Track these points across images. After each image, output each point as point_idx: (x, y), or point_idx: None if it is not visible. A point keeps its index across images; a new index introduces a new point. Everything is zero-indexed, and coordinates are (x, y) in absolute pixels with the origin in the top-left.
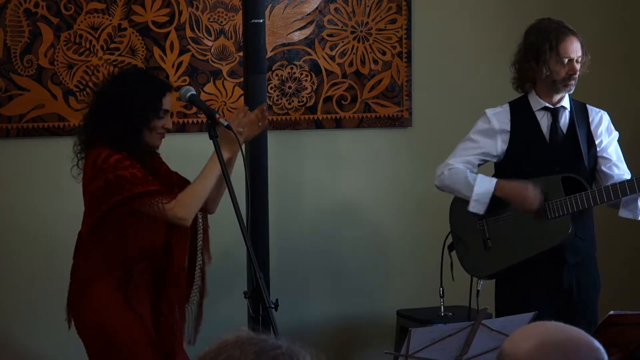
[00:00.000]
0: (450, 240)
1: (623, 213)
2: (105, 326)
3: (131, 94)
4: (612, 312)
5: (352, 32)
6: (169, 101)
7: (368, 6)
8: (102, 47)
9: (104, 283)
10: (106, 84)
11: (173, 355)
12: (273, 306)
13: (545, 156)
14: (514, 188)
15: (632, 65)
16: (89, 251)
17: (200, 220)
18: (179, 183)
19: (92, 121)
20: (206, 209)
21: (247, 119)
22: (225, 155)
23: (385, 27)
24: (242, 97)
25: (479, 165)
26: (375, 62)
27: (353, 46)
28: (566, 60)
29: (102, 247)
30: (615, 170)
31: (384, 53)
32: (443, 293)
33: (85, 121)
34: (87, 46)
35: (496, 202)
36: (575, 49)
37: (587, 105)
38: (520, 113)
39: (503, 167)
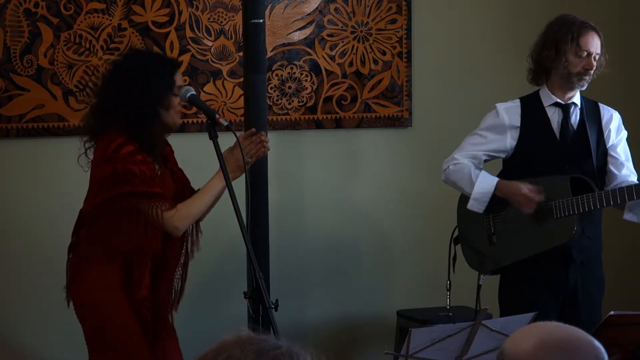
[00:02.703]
0: (457, 233)
1: (627, 216)
2: (97, 306)
3: (142, 73)
4: (612, 312)
5: (352, 32)
6: (180, 77)
7: (368, 6)
8: (102, 47)
9: (101, 264)
10: (113, 69)
11: (162, 343)
12: (273, 306)
13: (555, 153)
14: (511, 188)
15: (631, 64)
16: (88, 233)
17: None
18: (184, 189)
19: (104, 108)
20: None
21: (255, 149)
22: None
23: (385, 27)
24: (242, 97)
25: (486, 161)
26: (375, 62)
27: (353, 46)
28: (585, 53)
29: (100, 233)
30: (622, 170)
31: (384, 53)
32: (450, 286)
33: (95, 110)
34: (87, 46)
35: (502, 198)
36: (595, 44)
37: (599, 104)
38: (531, 109)
39: (512, 163)
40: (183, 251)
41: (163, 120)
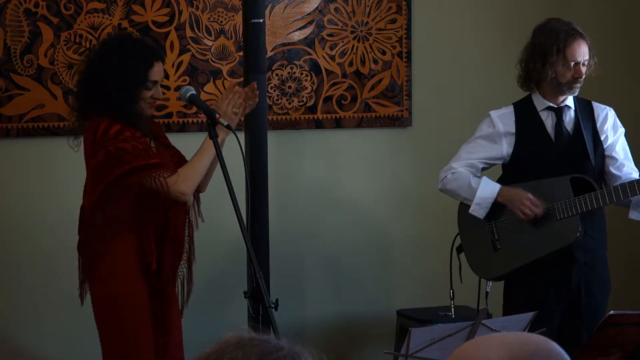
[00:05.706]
0: (458, 241)
1: (633, 215)
2: (111, 297)
3: (119, 69)
4: (612, 312)
5: (352, 32)
6: (157, 72)
7: (368, 6)
8: None
9: (114, 253)
10: (96, 52)
11: (169, 321)
12: (273, 306)
13: (552, 156)
14: (513, 195)
15: (632, 64)
16: (97, 222)
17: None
18: (180, 162)
19: (84, 91)
20: (198, 187)
21: (240, 99)
22: (220, 137)
23: (385, 27)
24: None
25: (483, 169)
26: (375, 62)
27: (353, 46)
28: (572, 63)
29: (109, 218)
30: (624, 169)
31: (384, 53)
32: (453, 295)
33: (78, 90)
34: (87, 46)
35: (500, 204)
36: (582, 52)
37: (593, 103)
38: (525, 114)
39: (510, 169)
40: (186, 228)
41: (137, 107)
